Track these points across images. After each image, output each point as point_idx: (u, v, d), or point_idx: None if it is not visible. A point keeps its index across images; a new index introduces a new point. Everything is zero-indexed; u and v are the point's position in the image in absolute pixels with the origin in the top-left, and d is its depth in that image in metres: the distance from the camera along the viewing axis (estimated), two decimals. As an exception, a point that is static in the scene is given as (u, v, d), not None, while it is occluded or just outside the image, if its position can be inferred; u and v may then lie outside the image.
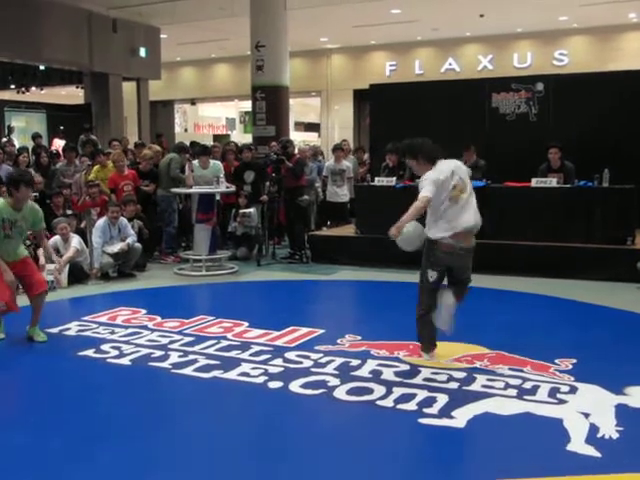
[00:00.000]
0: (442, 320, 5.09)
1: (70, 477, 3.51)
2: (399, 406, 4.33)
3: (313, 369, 5.06)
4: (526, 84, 10.28)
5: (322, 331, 6.05)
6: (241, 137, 26.40)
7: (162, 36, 19.75)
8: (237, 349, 5.56)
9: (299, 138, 23.21)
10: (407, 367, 5.08)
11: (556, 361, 5.13)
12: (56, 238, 8.39)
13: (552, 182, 8.68)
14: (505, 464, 3.57)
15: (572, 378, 4.79)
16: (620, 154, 9.16)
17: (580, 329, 6.25)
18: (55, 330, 6.24)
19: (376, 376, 4.88)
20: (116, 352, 5.54)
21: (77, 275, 8.33)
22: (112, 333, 6.10)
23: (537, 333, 6.05)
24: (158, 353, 5.49)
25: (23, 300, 6.17)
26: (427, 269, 5.14)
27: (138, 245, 8.85)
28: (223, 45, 22.26)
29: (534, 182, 8.74)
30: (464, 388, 4.64)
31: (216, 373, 5.00)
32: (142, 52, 18.67)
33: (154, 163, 10.31)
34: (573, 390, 4.56)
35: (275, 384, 4.75)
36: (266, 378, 4.87)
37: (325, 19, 18.62)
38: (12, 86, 21.52)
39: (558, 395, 4.47)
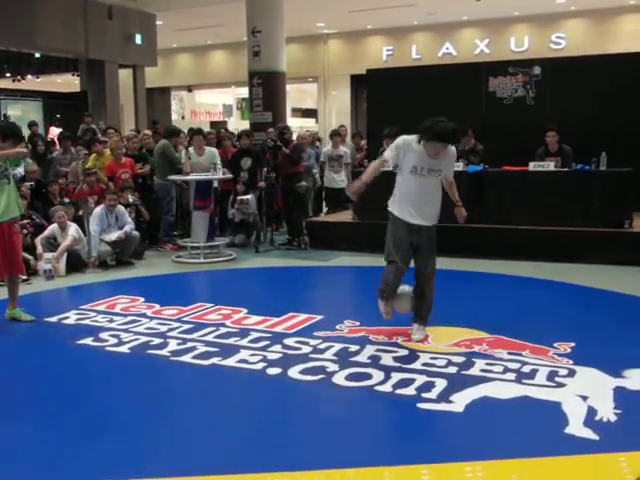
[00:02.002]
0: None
1: (70, 465, 3.52)
2: (398, 391, 4.33)
3: (312, 355, 5.06)
4: (523, 68, 10.25)
5: (321, 317, 6.05)
6: (238, 123, 26.37)
7: (158, 23, 19.65)
8: (236, 336, 5.57)
9: (296, 124, 23.17)
10: (406, 352, 5.08)
11: (554, 344, 5.14)
12: (53, 226, 8.38)
13: (550, 166, 8.66)
14: (503, 448, 3.58)
15: (570, 361, 4.79)
16: (618, 137, 9.16)
17: (578, 312, 6.26)
18: (54, 319, 6.24)
19: (375, 361, 4.89)
20: (115, 340, 5.54)
21: (75, 264, 8.31)
22: (111, 321, 6.10)
23: (535, 317, 6.06)
24: (157, 341, 5.49)
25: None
26: None
27: (136, 233, 8.84)
28: (219, 31, 22.17)
29: (532, 166, 8.72)
30: (463, 372, 4.64)
31: (215, 360, 5.00)
32: (138, 39, 18.58)
33: (141, 145, 10.52)
34: (571, 373, 4.57)
35: (274, 370, 4.76)
36: (265, 364, 4.87)
37: (321, 4, 18.55)
38: (7, 74, 21.43)
39: (556, 378, 4.48)
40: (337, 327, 5.74)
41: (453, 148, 5.33)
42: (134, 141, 10.53)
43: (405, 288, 5.39)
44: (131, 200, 9.30)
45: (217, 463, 3.50)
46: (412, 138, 5.21)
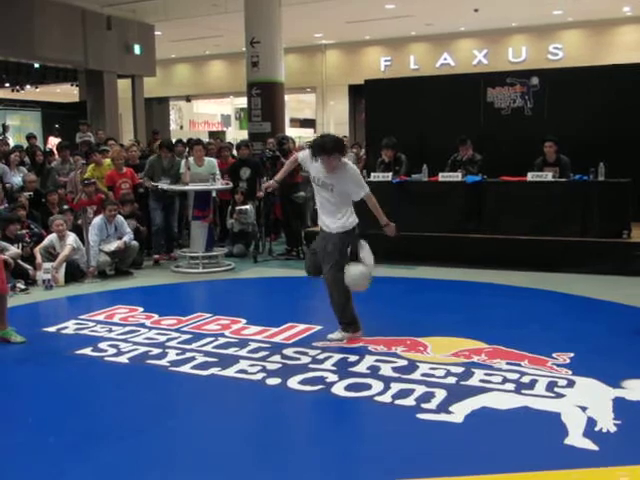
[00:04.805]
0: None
1: (69, 476, 3.51)
2: (397, 402, 4.33)
3: (311, 365, 5.05)
4: (521, 78, 10.29)
5: (320, 327, 6.04)
6: (237, 134, 26.41)
7: (156, 33, 19.73)
8: (235, 346, 5.56)
9: (295, 134, 23.21)
10: (405, 362, 5.08)
11: (553, 355, 5.14)
12: (52, 236, 8.39)
13: (548, 176, 8.68)
14: (503, 458, 3.58)
15: (569, 372, 4.79)
16: (616, 148, 9.17)
17: (577, 323, 6.25)
18: (52, 329, 6.23)
19: (374, 372, 4.88)
20: (114, 350, 5.53)
21: (74, 273, 8.31)
22: (110, 331, 6.09)
23: (534, 327, 6.06)
24: (156, 351, 5.48)
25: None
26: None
27: (135, 243, 8.84)
28: (217, 42, 22.26)
29: (530, 176, 8.73)
30: (462, 383, 4.64)
31: (214, 370, 5.00)
32: (136, 49, 18.66)
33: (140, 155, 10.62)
34: (571, 384, 4.57)
35: (273, 381, 4.75)
36: (264, 375, 4.87)
37: (319, 15, 18.62)
38: (7, 84, 21.50)
39: (556, 389, 4.48)
40: (336, 337, 5.73)
41: (350, 168, 5.51)
42: (133, 150, 10.53)
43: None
44: (133, 226, 9.22)
45: (216, 474, 3.50)
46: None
